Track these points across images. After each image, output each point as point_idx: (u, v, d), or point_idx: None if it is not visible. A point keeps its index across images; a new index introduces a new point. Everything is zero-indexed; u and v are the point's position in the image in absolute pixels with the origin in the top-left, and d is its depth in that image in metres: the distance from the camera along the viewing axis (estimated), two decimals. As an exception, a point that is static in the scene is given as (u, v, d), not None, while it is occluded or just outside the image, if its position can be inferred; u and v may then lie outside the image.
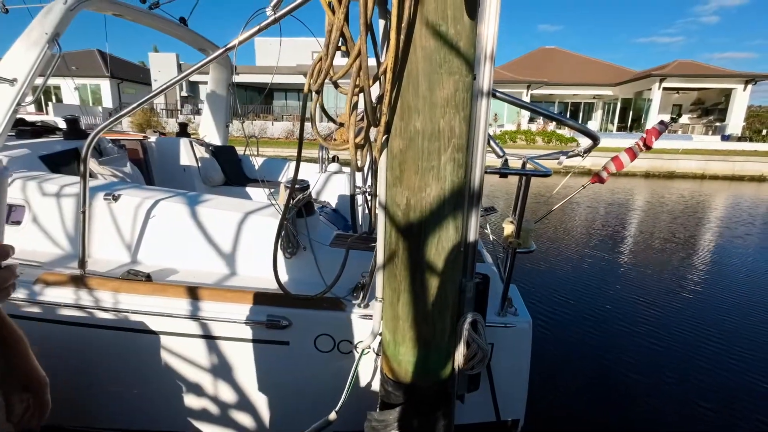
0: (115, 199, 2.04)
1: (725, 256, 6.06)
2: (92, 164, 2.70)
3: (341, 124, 1.33)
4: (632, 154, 1.65)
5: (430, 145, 1.17)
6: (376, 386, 1.74)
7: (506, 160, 1.51)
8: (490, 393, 1.71)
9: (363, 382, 1.75)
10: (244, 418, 1.85)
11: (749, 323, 3.75)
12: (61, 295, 1.75)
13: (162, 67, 22.04)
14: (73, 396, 1.88)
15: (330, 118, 1.42)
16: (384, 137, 1.27)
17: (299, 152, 1.39)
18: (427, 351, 1.33)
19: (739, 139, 19.78)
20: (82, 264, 1.82)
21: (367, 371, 1.75)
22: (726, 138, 19.82)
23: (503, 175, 1.47)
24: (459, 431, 1.86)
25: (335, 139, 1.46)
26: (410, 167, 1.20)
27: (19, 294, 1.75)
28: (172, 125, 19.09)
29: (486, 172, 1.35)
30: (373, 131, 1.30)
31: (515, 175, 1.51)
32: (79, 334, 1.77)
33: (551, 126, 22.06)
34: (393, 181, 1.26)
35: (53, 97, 22.56)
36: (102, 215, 2.02)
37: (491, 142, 1.45)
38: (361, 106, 1.24)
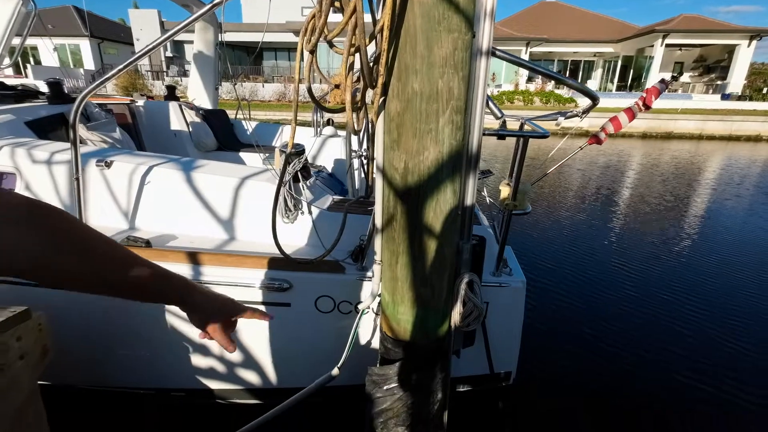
0: (108, 165, 2.01)
1: (714, 219, 6.13)
2: (81, 130, 2.63)
3: (337, 86, 1.30)
4: (631, 114, 1.64)
5: (428, 107, 1.15)
6: (376, 344, 1.81)
7: (504, 122, 1.49)
8: (484, 348, 1.79)
9: (363, 341, 1.83)
10: (249, 376, 1.94)
11: (734, 288, 3.82)
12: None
13: (143, 25, 20.81)
14: (84, 357, 1.95)
15: (326, 80, 1.39)
16: (381, 99, 1.24)
17: (295, 115, 1.36)
18: (425, 310, 1.38)
19: (739, 98, 19.51)
20: (81, 231, 1.82)
21: (367, 330, 1.82)
22: (726, 97, 19.53)
23: (501, 137, 1.46)
24: (455, 383, 1.98)
25: (329, 102, 1.42)
26: (408, 130, 1.19)
27: (21, 262, 1.76)
28: (158, 88, 18.41)
29: (484, 134, 1.34)
30: (369, 93, 1.27)
31: (513, 137, 1.50)
32: (83, 299, 1.80)
33: (549, 86, 21.55)
34: (390, 145, 1.25)
35: (31, 59, 21.51)
36: (96, 182, 2.00)
37: (489, 104, 1.43)
38: (356, 66, 1.21)
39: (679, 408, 2.34)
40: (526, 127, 1.71)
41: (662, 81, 1.63)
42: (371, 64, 1.17)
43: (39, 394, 1.44)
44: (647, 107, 1.62)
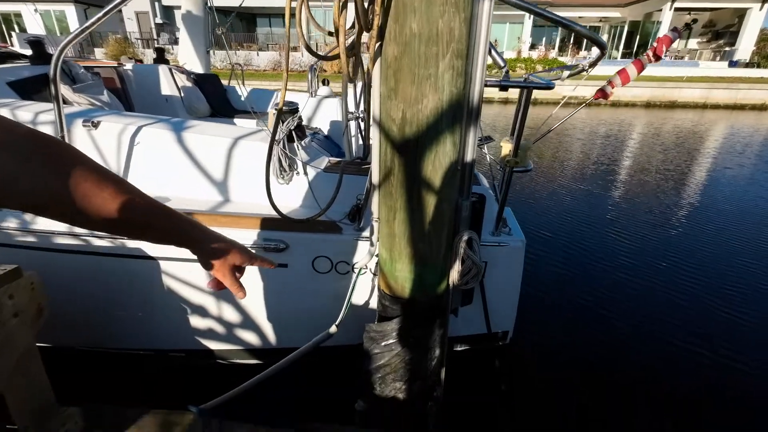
0: (95, 125, 1.93)
1: (714, 188, 6.06)
2: (66, 91, 2.53)
3: (331, 33, 1.22)
4: (640, 66, 1.56)
5: (428, 50, 1.08)
6: (373, 305, 1.81)
7: (507, 72, 1.42)
8: (482, 307, 1.80)
9: (361, 301, 1.83)
10: (247, 336, 1.96)
11: (732, 256, 3.79)
12: (53, 223, 1.73)
13: (130, -11, 19.95)
14: (80, 319, 1.95)
15: (318, 27, 1.30)
16: (377, 44, 1.17)
17: (287, 65, 1.29)
18: (424, 266, 1.36)
19: (747, 65, 19.01)
20: (71, 193, 1.78)
21: (365, 291, 1.82)
22: (734, 64, 19.02)
23: (503, 88, 1.39)
24: (453, 343, 2.00)
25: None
26: (406, 76, 1.12)
27: (11, 223, 1.73)
28: (149, 57, 17.80)
29: (486, 85, 1.27)
30: (365, 38, 1.19)
31: (516, 88, 1.42)
32: (77, 261, 1.78)
33: (552, 53, 20.97)
34: (387, 93, 1.18)
35: (15, 27, 20.69)
36: (83, 142, 1.93)
37: (492, 52, 1.35)
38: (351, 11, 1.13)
39: (673, 380, 2.35)
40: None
41: (674, 29, 1.54)
42: (366, 4, 1.09)
43: (37, 353, 1.44)
44: (658, 58, 1.54)
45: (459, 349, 2.04)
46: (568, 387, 2.27)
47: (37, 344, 1.54)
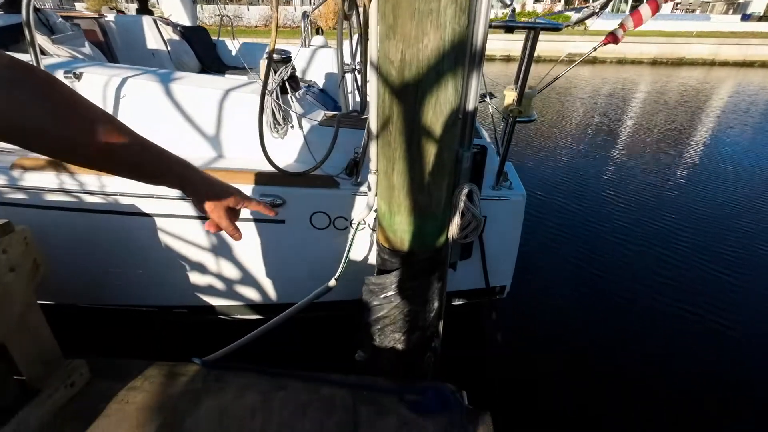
0: (77, 77, 1.83)
1: (715, 148, 5.94)
2: (45, 42, 2.39)
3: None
4: (655, 5, 1.45)
5: (429, -19, 0.99)
6: (372, 260, 1.81)
7: (514, 10, 1.32)
8: (480, 261, 1.80)
9: (360, 256, 1.82)
10: (247, 291, 1.97)
11: (730, 218, 3.76)
12: (42, 179, 1.69)
13: (107, -64, 18.51)
14: (79, 277, 1.95)
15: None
16: (374, -23, 1.08)
17: (277, 1, 1.19)
18: (423, 218, 1.33)
19: (761, 18, 18.20)
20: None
21: (363, 246, 1.81)
22: (746, 18, 18.21)
23: (509, 30, 1.30)
24: (451, 297, 2.02)
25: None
26: (405, 11, 1.04)
27: (-1, 180, 1.68)
28: (132, 12, 16.87)
29: (490, 26, 1.19)
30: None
31: (522, 29, 1.34)
32: (69, 218, 1.75)
33: (558, 6, 19.99)
34: (386, 32, 1.10)
35: (-13, -22, 19.38)
36: (66, 95, 1.84)
37: (499, -13, 1.26)
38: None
39: (666, 335, 2.39)
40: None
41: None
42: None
43: (38, 308, 1.45)
44: (675, -5, 1.44)
45: (457, 303, 2.07)
46: (562, 341, 2.33)
47: (39, 302, 1.55)
